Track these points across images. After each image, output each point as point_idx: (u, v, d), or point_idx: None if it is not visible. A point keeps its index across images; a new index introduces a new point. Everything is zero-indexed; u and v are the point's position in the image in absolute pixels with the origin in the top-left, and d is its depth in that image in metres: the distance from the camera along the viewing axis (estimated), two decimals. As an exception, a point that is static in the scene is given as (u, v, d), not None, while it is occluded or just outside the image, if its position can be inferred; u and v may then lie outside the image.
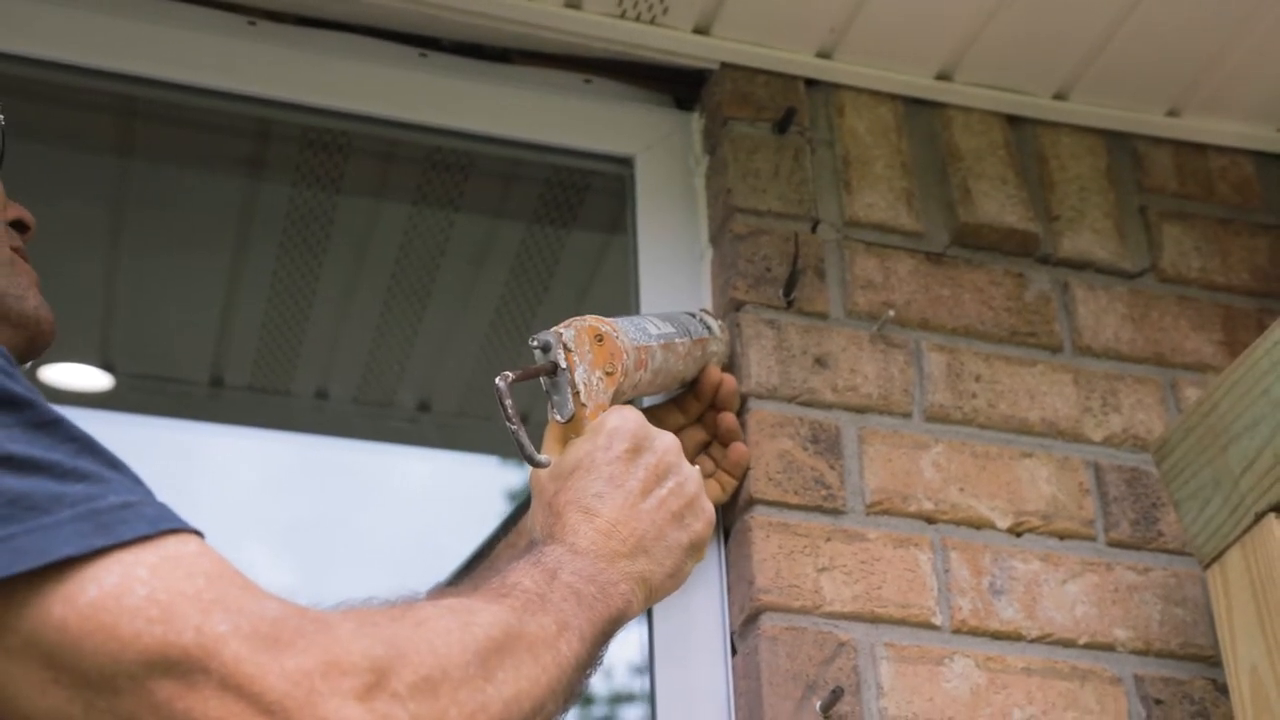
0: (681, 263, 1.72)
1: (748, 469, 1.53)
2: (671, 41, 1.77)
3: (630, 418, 1.28)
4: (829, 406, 1.60)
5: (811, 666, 1.44)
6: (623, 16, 1.75)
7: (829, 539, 1.52)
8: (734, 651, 1.50)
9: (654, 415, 1.51)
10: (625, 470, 1.23)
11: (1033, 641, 1.53)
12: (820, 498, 1.53)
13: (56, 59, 1.69)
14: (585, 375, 1.31)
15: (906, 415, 1.62)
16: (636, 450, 1.25)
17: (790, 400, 1.58)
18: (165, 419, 2.40)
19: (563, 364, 1.31)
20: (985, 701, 1.47)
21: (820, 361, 1.62)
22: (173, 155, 2.01)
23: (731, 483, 1.53)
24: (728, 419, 1.52)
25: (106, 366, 2.32)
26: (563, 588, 1.07)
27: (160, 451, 2.32)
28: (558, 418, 1.31)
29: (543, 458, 1.25)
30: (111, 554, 0.80)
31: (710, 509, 1.29)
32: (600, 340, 1.34)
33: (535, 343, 1.33)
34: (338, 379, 2.30)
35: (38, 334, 1.13)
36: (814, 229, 1.70)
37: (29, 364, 1.15)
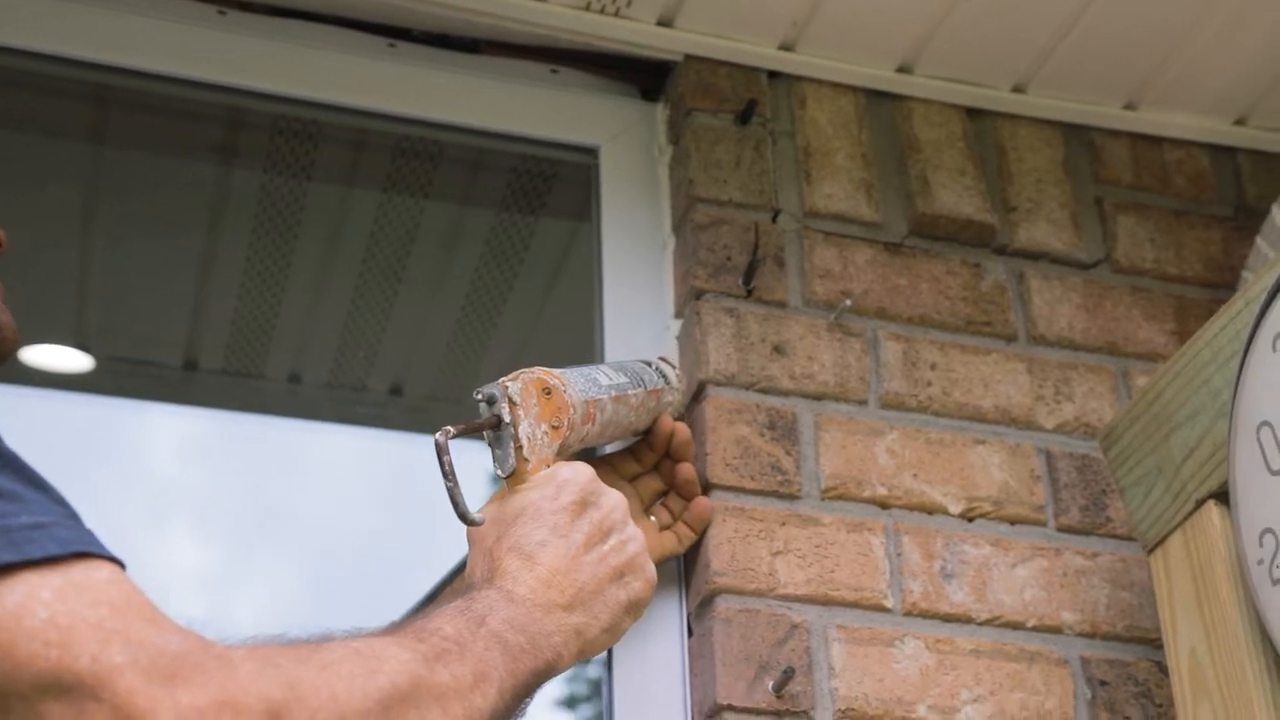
0: (644, 251, 1.75)
1: (709, 523, 1.52)
2: (636, 33, 1.80)
3: (581, 471, 1.28)
4: (786, 393, 1.63)
5: (764, 647, 1.47)
6: (588, 9, 1.78)
7: (784, 523, 1.55)
8: (690, 633, 1.53)
9: (609, 463, 1.51)
10: (570, 522, 1.23)
11: (982, 624, 1.57)
12: (776, 483, 1.57)
13: (29, 48, 1.72)
14: (529, 429, 1.30)
15: (862, 402, 1.65)
16: (583, 504, 1.25)
17: (748, 387, 1.61)
18: (141, 401, 2.43)
19: (506, 418, 1.30)
20: (934, 682, 1.51)
21: (778, 349, 1.65)
22: (145, 142, 2.03)
23: (690, 536, 1.51)
24: (685, 470, 1.51)
25: (83, 348, 2.34)
26: (488, 636, 1.06)
27: (136, 433, 2.34)
28: (499, 472, 1.30)
29: (477, 516, 1.24)
30: (18, 573, 0.80)
31: (652, 571, 1.29)
32: (548, 394, 1.33)
33: (480, 396, 1.32)
34: (310, 363, 2.33)
35: (0, 343, 1.15)
36: (774, 219, 1.73)
37: None
